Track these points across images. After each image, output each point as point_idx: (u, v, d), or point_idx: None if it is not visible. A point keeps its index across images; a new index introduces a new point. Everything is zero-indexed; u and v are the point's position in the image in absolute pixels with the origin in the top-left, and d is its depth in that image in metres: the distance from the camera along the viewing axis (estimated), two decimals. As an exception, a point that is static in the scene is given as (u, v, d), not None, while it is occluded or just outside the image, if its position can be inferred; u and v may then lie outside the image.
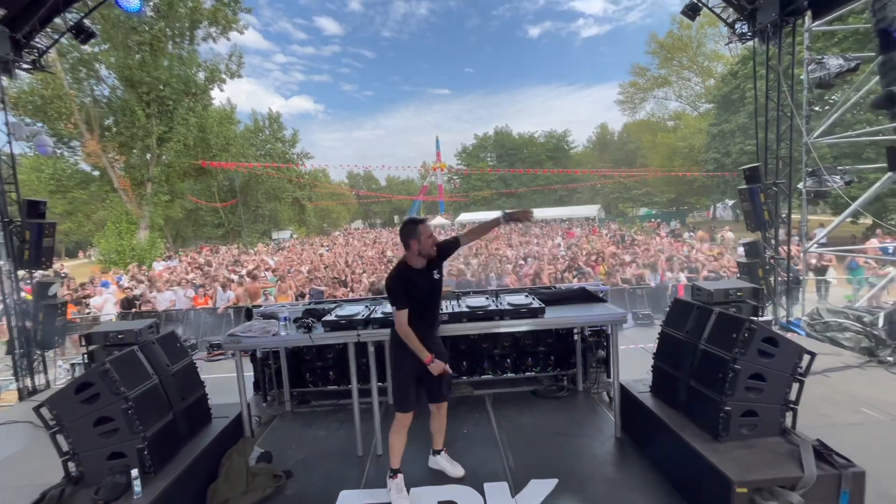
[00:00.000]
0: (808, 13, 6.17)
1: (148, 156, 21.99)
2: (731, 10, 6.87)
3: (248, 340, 3.34)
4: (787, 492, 2.21)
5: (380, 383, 3.55)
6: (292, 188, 37.62)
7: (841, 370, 4.84)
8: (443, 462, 3.10)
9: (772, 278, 6.81)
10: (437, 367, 2.70)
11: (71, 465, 2.55)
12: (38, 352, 6.11)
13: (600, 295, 4.04)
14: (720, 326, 2.76)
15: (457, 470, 3.05)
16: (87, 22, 6.97)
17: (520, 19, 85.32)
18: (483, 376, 4.64)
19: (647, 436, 3.20)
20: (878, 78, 5.90)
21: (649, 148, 38.82)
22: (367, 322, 3.34)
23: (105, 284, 11.86)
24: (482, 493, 2.84)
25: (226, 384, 4.35)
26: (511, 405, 4.17)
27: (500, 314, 3.38)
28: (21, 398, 5.89)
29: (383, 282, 10.10)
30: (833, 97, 15.80)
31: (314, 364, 4.57)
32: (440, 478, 3.03)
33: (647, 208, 39.57)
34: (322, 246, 23.28)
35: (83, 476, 2.53)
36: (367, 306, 3.79)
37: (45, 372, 6.24)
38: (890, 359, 5.01)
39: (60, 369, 6.96)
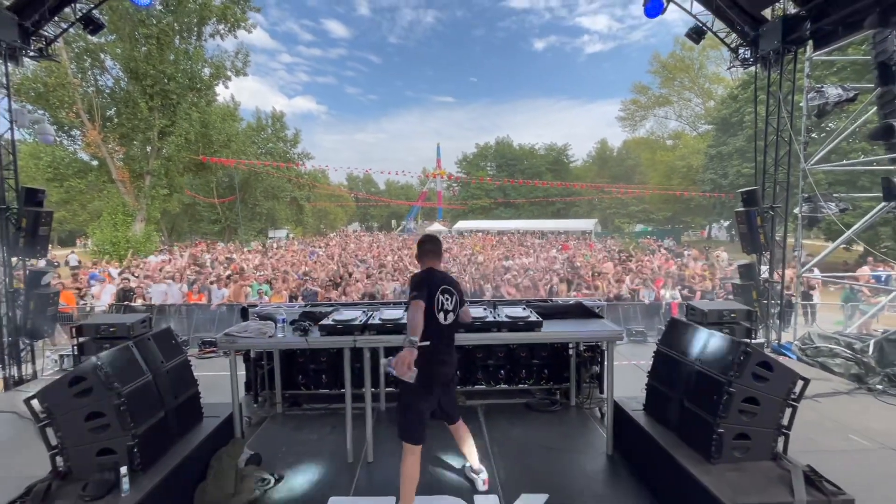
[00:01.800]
0: (810, 43, 6.30)
1: (148, 148, 21.90)
2: (734, 35, 7.00)
3: (244, 341, 3.33)
4: (777, 517, 2.22)
5: (373, 389, 3.55)
6: (291, 188, 37.60)
7: (831, 396, 4.88)
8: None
9: (765, 301, 6.87)
10: None
11: (58, 460, 2.52)
12: (27, 341, 6.04)
13: (596, 310, 4.07)
14: (716, 348, 2.78)
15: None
16: (96, 13, 6.98)
17: (526, 32, 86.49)
18: (476, 386, 4.64)
19: (638, 454, 3.20)
20: (875, 108, 6.03)
21: (648, 165, 39.27)
22: (364, 328, 3.34)
23: (93, 276, 11.75)
24: (472, 505, 2.83)
25: (216, 382, 4.33)
26: (503, 417, 4.16)
27: (498, 326, 3.39)
28: (6, 388, 5.80)
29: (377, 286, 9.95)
30: (830, 125, 16.07)
31: (307, 367, 4.55)
32: (430, 488, 3.01)
33: (644, 225, 39.87)
34: (318, 247, 23.24)
35: (70, 471, 2.50)
36: (364, 311, 3.79)
37: (33, 362, 6.16)
38: (879, 386, 5.06)
39: (48, 360, 6.87)
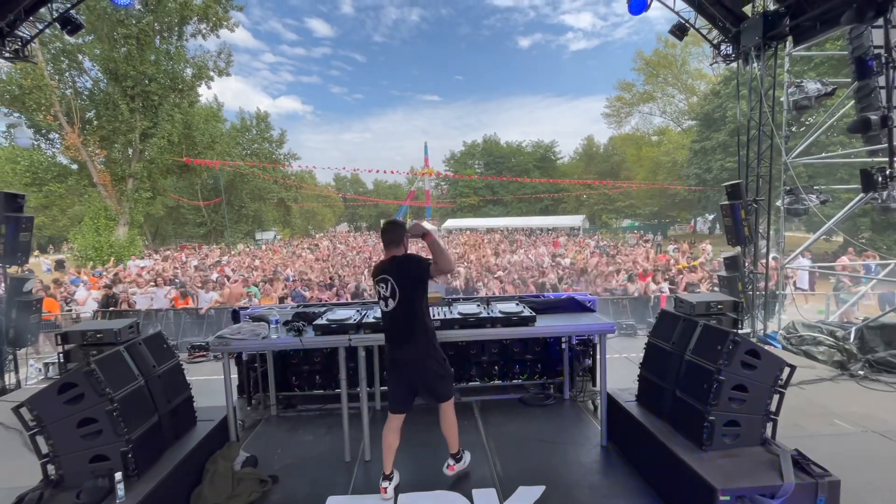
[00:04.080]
0: (790, 38, 6.44)
1: (130, 151, 21.46)
2: (716, 31, 7.12)
3: (237, 343, 3.29)
4: (768, 500, 2.28)
5: (369, 388, 3.54)
6: (278, 189, 37.20)
7: (815, 383, 5.01)
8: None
9: (750, 292, 7.02)
10: None
11: (50, 468, 2.47)
12: (10, 350, 5.89)
13: (588, 305, 4.12)
14: (705, 338, 2.84)
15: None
16: (73, 13, 6.82)
17: (510, 30, 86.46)
18: (471, 383, 4.66)
19: (632, 444, 3.26)
20: (852, 102, 6.20)
21: (634, 161, 39.67)
22: (359, 326, 3.33)
23: (75, 282, 11.51)
24: (471, 499, 2.86)
25: (207, 386, 4.29)
26: (498, 412, 4.20)
27: (492, 322, 3.41)
28: (-11, 398, 5.66)
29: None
30: (809, 119, 16.44)
31: (301, 368, 4.53)
32: (428, 483, 3.03)
33: (631, 220, 40.32)
34: (306, 248, 23.06)
35: (62, 479, 2.46)
36: (357, 311, 3.78)
37: (17, 371, 6.02)
38: (861, 372, 5.21)
39: (32, 368, 6.72)
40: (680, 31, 7.30)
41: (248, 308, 4.76)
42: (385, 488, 2.89)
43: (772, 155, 6.92)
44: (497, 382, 4.67)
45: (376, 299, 2.88)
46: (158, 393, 2.89)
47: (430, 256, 2.83)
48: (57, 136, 21.03)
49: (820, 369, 5.44)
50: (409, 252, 2.92)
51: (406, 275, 2.79)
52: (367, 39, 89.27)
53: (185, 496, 2.79)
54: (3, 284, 5.95)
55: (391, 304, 2.80)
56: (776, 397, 2.68)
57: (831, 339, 5.86)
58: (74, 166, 22.19)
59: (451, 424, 2.99)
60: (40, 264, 17.98)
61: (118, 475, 2.33)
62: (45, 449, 2.46)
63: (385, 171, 47.52)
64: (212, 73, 22.96)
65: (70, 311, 8.95)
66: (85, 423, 2.43)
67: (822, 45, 8.91)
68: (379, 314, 3.52)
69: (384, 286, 2.82)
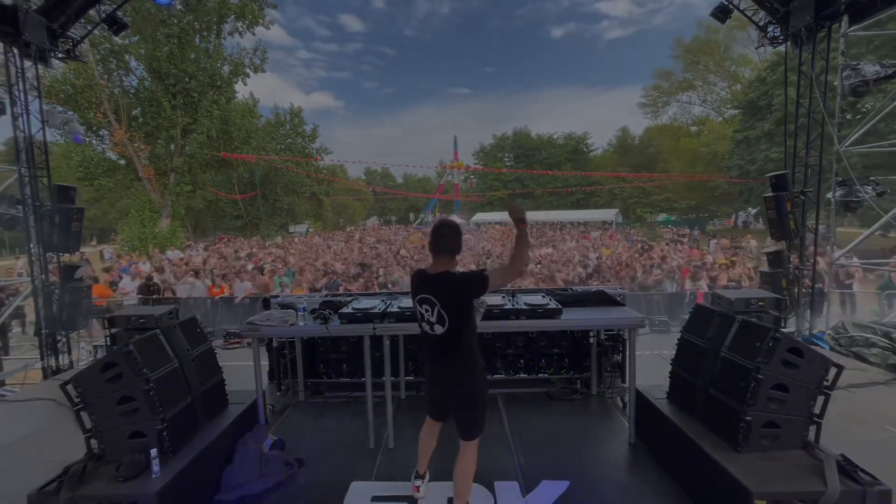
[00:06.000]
0: (845, 17, 5.97)
1: (172, 146, 22.48)
2: (762, 12, 6.70)
3: (267, 329, 3.39)
4: (808, 507, 2.15)
5: (393, 377, 3.57)
6: (310, 182, 38.06)
7: (866, 386, 4.69)
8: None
9: (795, 289, 6.62)
10: None
11: (93, 443, 2.62)
12: (63, 333, 6.31)
13: (618, 299, 3.99)
14: (743, 335, 2.70)
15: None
16: (119, 14, 7.15)
17: (543, 20, 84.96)
18: (495, 375, 4.63)
19: (662, 443, 3.15)
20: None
21: (671, 153, 38.16)
22: (384, 315, 3.36)
23: (125, 270, 12.20)
24: (493, 491, 2.84)
25: (240, 372, 4.43)
26: (523, 406, 4.15)
27: (517, 313, 3.36)
28: (45, 377, 6.08)
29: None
30: (865, 105, 15.31)
31: (328, 356, 4.62)
32: (448, 474, 3.02)
33: (667, 214, 38.94)
34: (341, 241, 23.54)
35: (104, 453, 2.60)
36: (383, 300, 3.81)
37: (69, 352, 6.43)
38: (919, 377, 4.84)
39: (83, 351, 7.17)
40: (722, 13, 6.91)
41: (278, 297, 4.90)
42: (417, 487, 2.76)
43: (822, 144, 6.46)
44: (522, 376, 4.61)
45: (417, 319, 2.47)
46: (192, 375, 3.01)
47: (514, 251, 2.34)
48: (106, 132, 22.25)
49: (872, 372, 5.08)
50: (456, 270, 2.41)
51: (460, 300, 2.31)
52: (398, 33, 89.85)
53: (216, 474, 2.90)
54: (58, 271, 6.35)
55: (438, 329, 2.34)
56: (821, 399, 2.51)
57: (886, 341, 5.46)
58: (122, 161, 23.45)
59: (466, 470, 2.51)
60: (102, 253, 19.33)
61: (154, 451, 2.44)
62: (88, 424, 2.61)
63: (415, 165, 47.77)
64: (248, 70, 23.68)
65: (116, 298, 9.47)
66: (124, 401, 2.56)
67: (882, 24, 8.23)
68: (404, 305, 3.54)
69: (428, 309, 2.34)
